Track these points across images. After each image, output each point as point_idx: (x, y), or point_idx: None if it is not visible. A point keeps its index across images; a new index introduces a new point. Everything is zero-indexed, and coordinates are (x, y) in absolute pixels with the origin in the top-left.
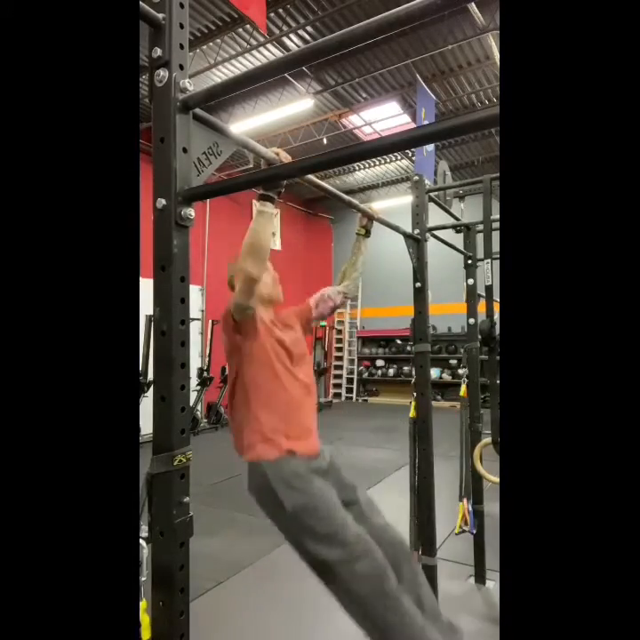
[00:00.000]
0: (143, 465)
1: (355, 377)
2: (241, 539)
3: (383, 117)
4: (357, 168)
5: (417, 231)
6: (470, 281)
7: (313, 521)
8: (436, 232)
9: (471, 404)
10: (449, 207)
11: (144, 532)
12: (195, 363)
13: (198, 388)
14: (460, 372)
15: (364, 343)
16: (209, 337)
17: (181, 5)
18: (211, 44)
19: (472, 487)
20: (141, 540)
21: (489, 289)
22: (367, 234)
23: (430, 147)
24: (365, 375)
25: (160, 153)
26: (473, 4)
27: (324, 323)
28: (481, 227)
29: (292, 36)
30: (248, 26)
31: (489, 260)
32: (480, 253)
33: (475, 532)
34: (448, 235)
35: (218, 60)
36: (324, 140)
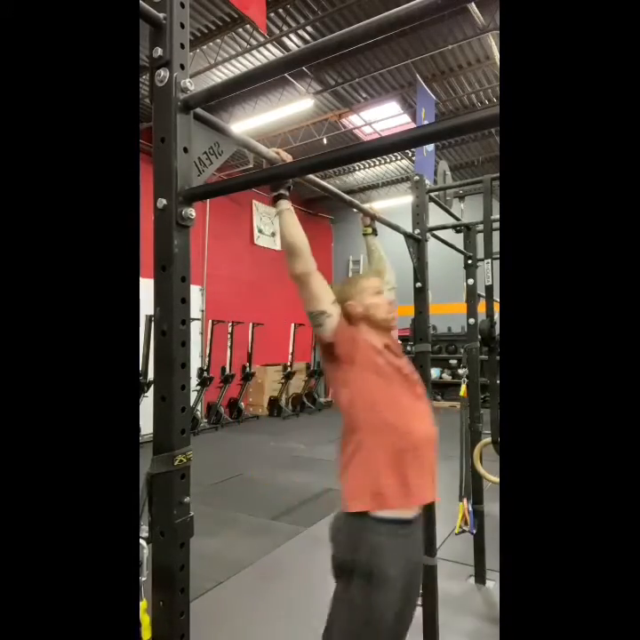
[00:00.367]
0: (143, 465)
1: None
2: (241, 539)
3: (383, 117)
4: (357, 168)
5: (417, 231)
6: (470, 281)
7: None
8: (436, 232)
9: (471, 404)
10: (449, 207)
11: (144, 531)
12: (195, 363)
13: (198, 387)
14: (460, 371)
15: None
16: (209, 337)
17: (182, 5)
18: (211, 43)
19: (472, 487)
20: (141, 540)
21: (489, 289)
22: (374, 232)
23: (430, 147)
24: None
25: (161, 153)
26: (473, 3)
27: None
28: (481, 227)
29: (292, 35)
30: (248, 26)
31: (489, 260)
32: (480, 253)
33: (475, 532)
34: (448, 235)
35: (218, 60)
36: (324, 140)
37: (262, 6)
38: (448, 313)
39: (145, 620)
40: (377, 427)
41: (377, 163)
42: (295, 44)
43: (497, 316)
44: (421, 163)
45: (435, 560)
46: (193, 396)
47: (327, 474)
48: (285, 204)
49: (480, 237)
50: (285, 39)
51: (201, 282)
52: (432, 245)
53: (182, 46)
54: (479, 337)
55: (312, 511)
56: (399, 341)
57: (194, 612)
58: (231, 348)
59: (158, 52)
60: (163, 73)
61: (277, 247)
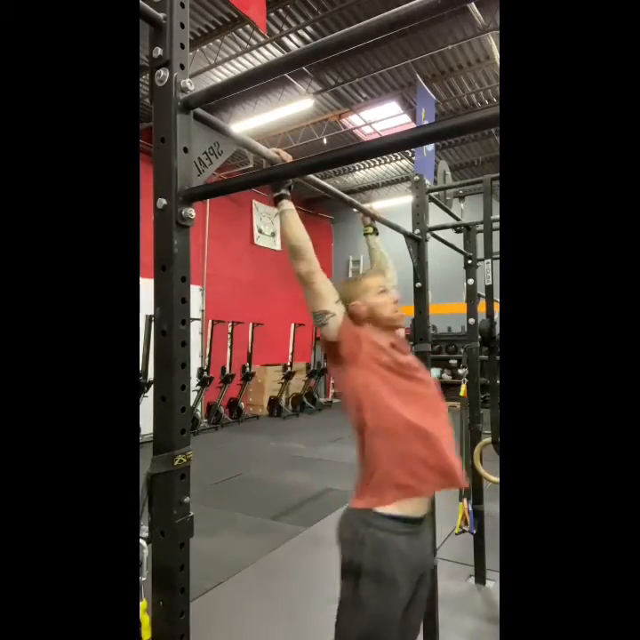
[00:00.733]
0: (143, 465)
1: None
2: (241, 539)
3: (383, 117)
4: (357, 168)
5: (417, 231)
6: (470, 281)
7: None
8: (436, 232)
9: (471, 404)
10: (449, 207)
11: (144, 531)
12: (195, 363)
13: (198, 387)
14: (460, 371)
15: None
16: (209, 337)
17: (182, 5)
18: (211, 43)
19: (472, 487)
20: (141, 540)
21: (489, 289)
22: (375, 231)
23: (430, 147)
24: None
25: (161, 153)
26: (473, 3)
27: None
28: (481, 227)
29: (292, 35)
30: (248, 26)
31: (489, 260)
32: (480, 253)
33: (475, 531)
34: (448, 235)
35: (218, 60)
36: (324, 140)
37: (262, 6)
38: (448, 313)
39: (145, 619)
40: (381, 425)
41: (377, 163)
42: (295, 44)
43: (497, 316)
44: (421, 163)
45: (435, 560)
46: (193, 396)
47: (327, 474)
48: (287, 205)
49: (480, 237)
50: (285, 39)
51: (201, 282)
52: (432, 245)
53: (182, 46)
54: (479, 337)
55: (312, 511)
56: (406, 339)
57: (194, 612)
58: (231, 348)
59: (158, 51)
60: (163, 73)
61: (277, 247)
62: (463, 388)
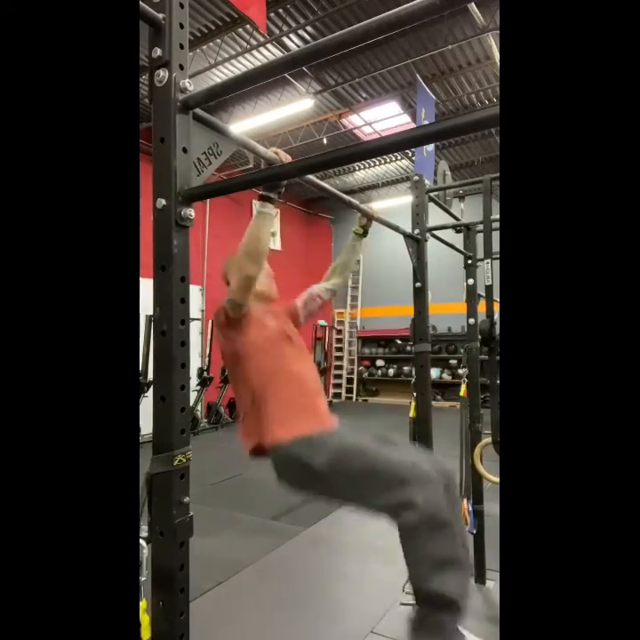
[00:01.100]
0: (143, 465)
1: (355, 377)
2: (241, 539)
3: (383, 117)
4: (357, 168)
5: (417, 231)
6: (470, 281)
7: (353, 462)
8: (436, 232)
9: (471, 404)
10: (449, 207)
11: (144, 531)
12: (195, 363)
13: (198, 387)
14: (460, 371)
15: (364, 343)
16: (209, 337)
17: (181, 5)
18: (211, 43)
19: (472, 487)
20: (141, 540)
21: (489, 289)
22: (365, 233)
23: (430, 147)
24: (365, 375)
25: (160, 153)
26: (473, 3)
27: (324, 323)
28: (481, 227)
29: (292, 35)
30: (248, 26)
31: (489, 260)
32: (480, 253)
33: (475, 531)
34: (448, 235)
35: (218, 60)
36: (324, 140)
37: (262, 6)
38: (448, 313)
39: (145, 620)
40: (270, 374)
41: (377, 163)
42: (295, 44)
43: (497, 316)
44: (421, 163)
45: None
46: (193, 396)
47: None
48: (270, 208)
49: (480, 237)
50: (285, 39)
51: (201, 282)
52: (432, 245)
53: (181, 46)
54: (479, 337)
55: (312, 511)
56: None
57: (194, 612)
58: None
59: (157, 52)
60: (162, 73)
61: (277, 247)
62: (463, 388)
